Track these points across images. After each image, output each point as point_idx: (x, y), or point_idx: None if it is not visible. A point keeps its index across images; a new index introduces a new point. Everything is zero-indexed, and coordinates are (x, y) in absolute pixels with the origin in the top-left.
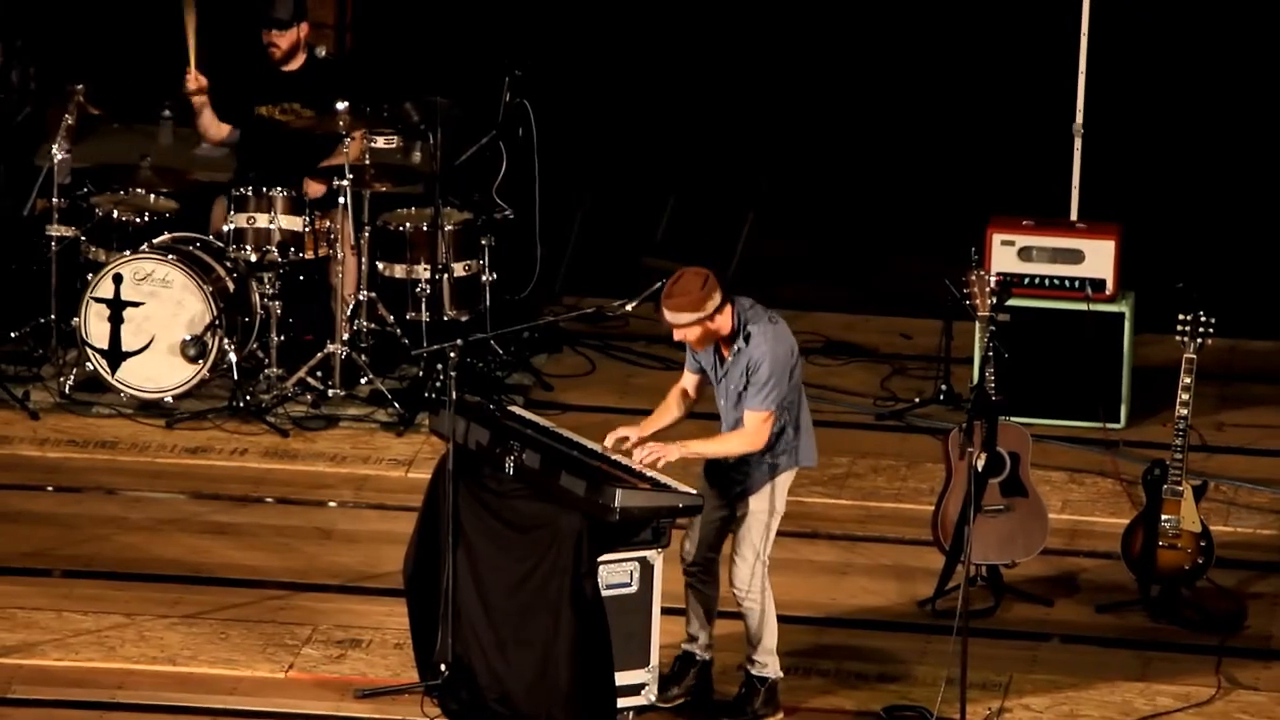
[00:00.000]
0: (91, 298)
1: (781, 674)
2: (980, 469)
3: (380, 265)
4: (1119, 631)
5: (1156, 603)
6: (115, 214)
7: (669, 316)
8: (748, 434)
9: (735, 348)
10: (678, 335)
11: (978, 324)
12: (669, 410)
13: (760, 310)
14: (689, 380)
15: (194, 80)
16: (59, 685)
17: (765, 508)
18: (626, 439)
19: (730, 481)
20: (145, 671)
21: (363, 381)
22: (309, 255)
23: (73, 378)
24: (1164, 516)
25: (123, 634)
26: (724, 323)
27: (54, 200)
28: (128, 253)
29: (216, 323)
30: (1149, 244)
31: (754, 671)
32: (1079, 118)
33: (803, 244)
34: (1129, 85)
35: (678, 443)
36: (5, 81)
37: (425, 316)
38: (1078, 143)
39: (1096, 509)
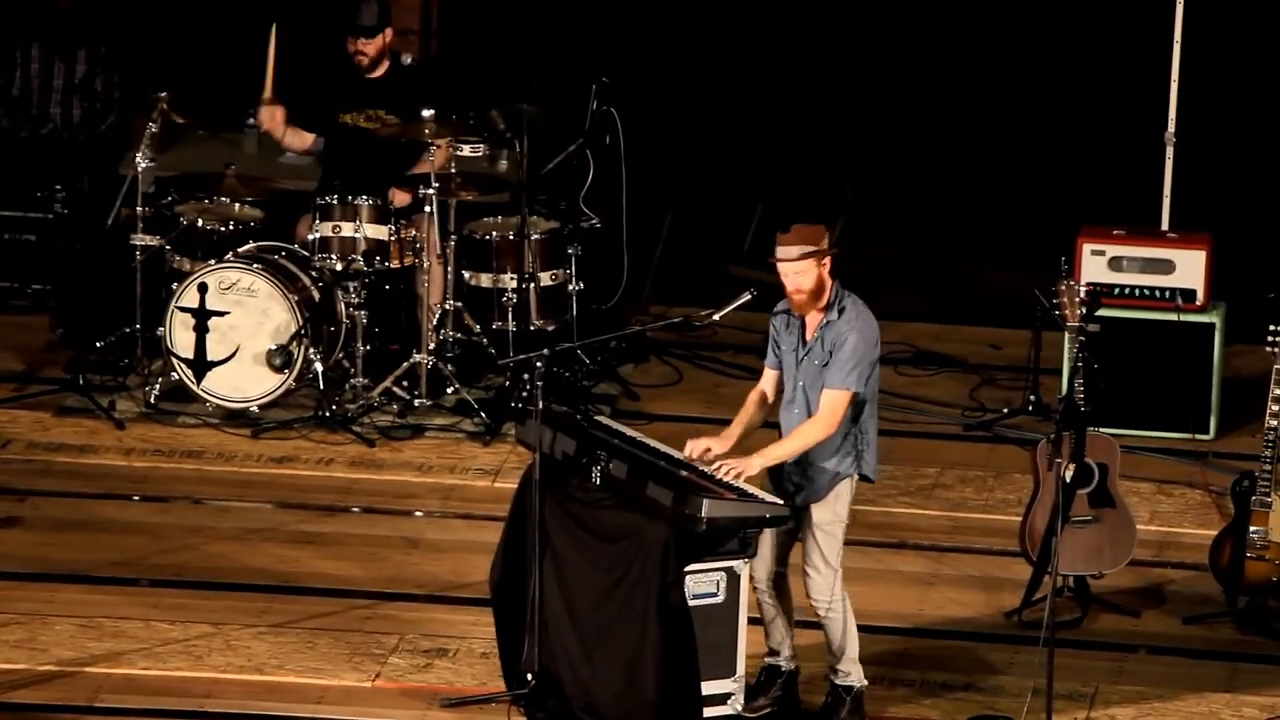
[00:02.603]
0: (176, 307)
1: (865, 682)
2: (1069, 480)
3: (466, 274)
4: (1206, 643)
5: (1244, 614)
6: (200, 223)
7: (781, 250)
8: (822, 418)
9: (825, 320)
10: (789, 283)
11: (1067, 334)
12: (749, 417)
13: (857, 297)
14: (768, 380)
15: (269, 119)
16: (147, 694)
17: (831, 518)
18: (709, 450)
19: (794, 489)
20: (232, 680)
21: (449, 391)
22: (394, 264)
23: (158, 387)
24: (1252, 528)
25: (210, 643)
26: (827, 280)
27: (138, 209)
28: (213, 262)
29: (302, 332)
30: (1241, 254)
31: (838, 681)
32: (1171, 126)
33: (891, 253)
34: (1221, 94)
35: (756, 454)
36: (89, 90)
37: (511, 326)
38: (1169, 152)
39: (1185, 520)
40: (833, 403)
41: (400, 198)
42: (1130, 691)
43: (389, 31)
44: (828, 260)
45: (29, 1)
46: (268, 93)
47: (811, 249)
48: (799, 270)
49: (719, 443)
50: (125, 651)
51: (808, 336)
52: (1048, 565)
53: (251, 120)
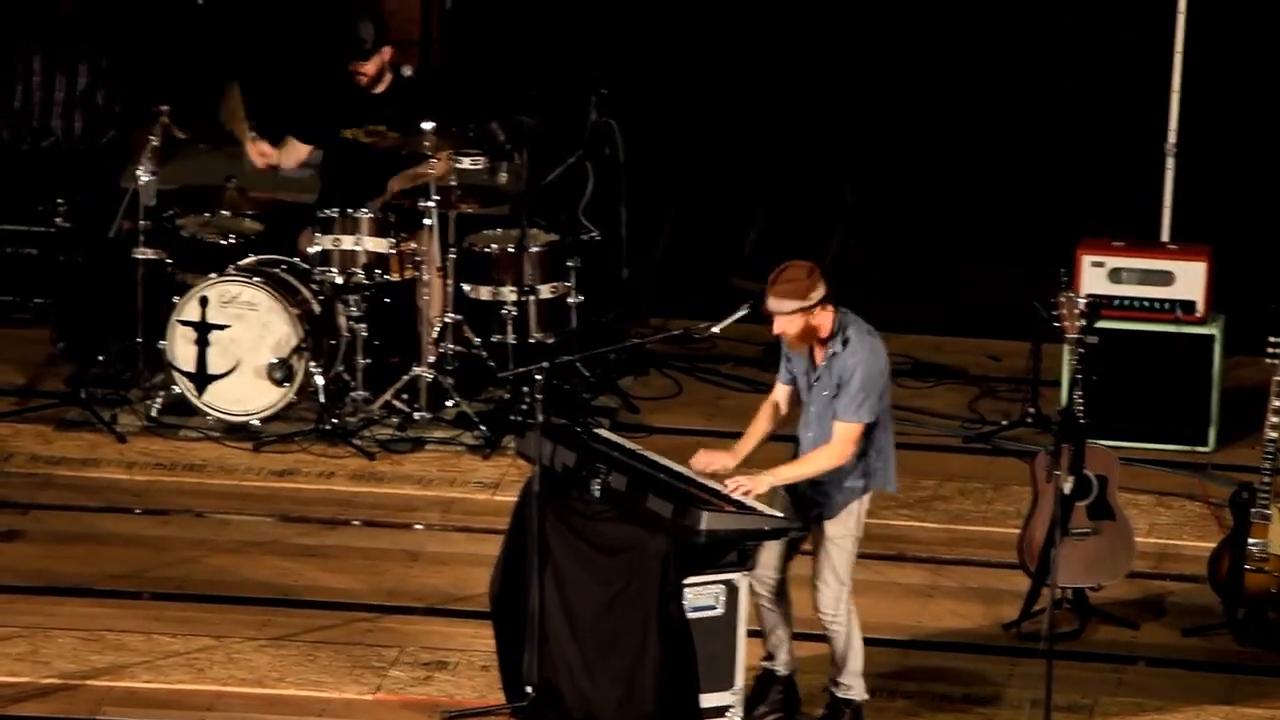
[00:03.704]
0: (177, 321)
1: (866, 696)
2: (1067, 492)
3: (466, 287)
4: (1205, 654)
5: (1243, 625)
6: (201, 236)
7: (772, 304)
8: (835, 448)
9: (831, 351)
10: (778, 327)
11: (1066, 346)
12: (760, 426)
13: (861, 322)
14: (781, 393)
15: (259, 158)
16: (149, 706)
17: (844, 533)
18: (724, 464)
19: (809, 504)
20: (234, 693)
21: (449, 404)
22: (395, 277)
23: (160, 401)
24: (1251, 539)
25: (211, 656)
26: (824, 321)
27: (139, 223)
28: (213, 275)
29: (302, 345)
30: (1241, 265)
31: (839, 694)
32: (1172, 137)
33: (891, 260)
34: (1221, 105)
35: (766, 472)
36: (91, 103)
37: (511, 339)
38: (1170, 163)
39: (1184, 532)
40: (845, 434)
41: (396, 184)
42: (1129, 703)
43: (387, 50)
44: (819, 308)
45: (30, 13)
46: (247, 134)
47: (801, 305)
48: (787, 322)
49: (729, 457)
50: (127, 664)
51: (817, 362)
52: (1046, 577)
53: (252, 134)
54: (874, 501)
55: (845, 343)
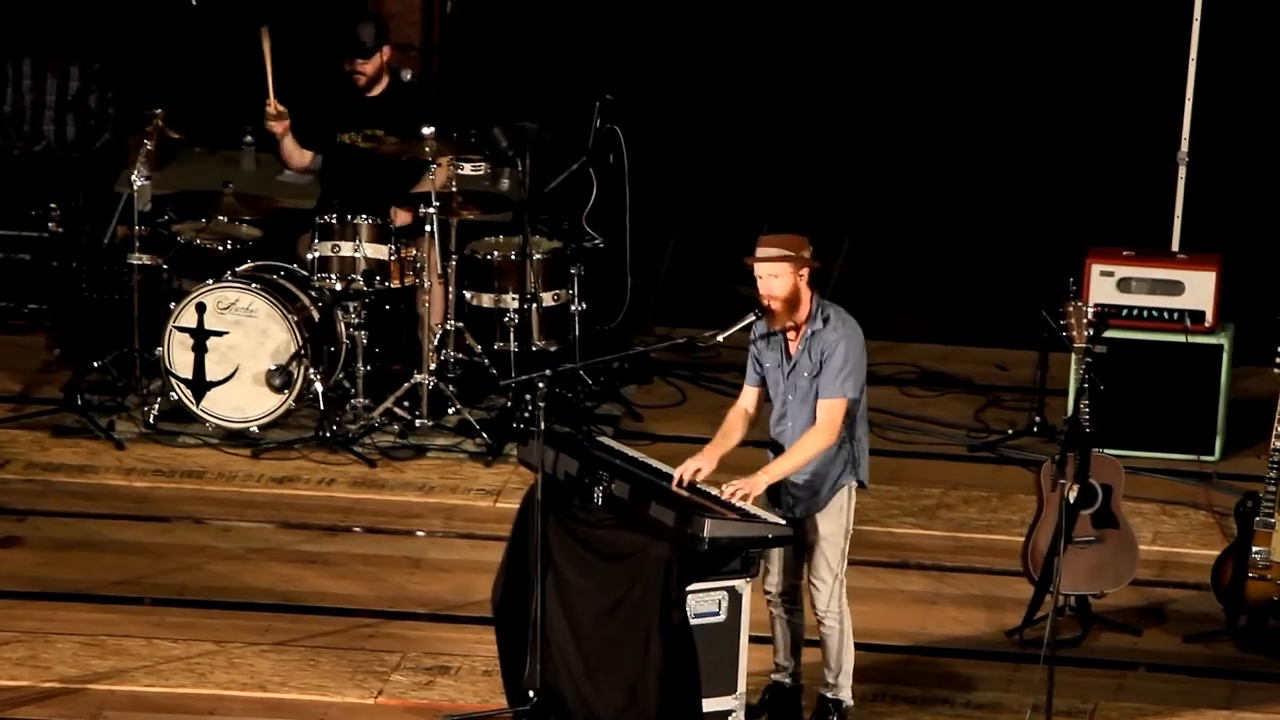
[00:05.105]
0: (175, 327)
1: (852, 701)
2: (1072, 500)
3: (468, 294)
4: (1206, 660)
5: (1244, 632)
6: (198, 242)
7: (760, 251)
8: (823, 428)
9: (809, 331)
10: (764, 286)
11: (1074, 356)
12: (733, 432)
13: (839, 306)
14: (749, 397)
15: (275, 109)
16: (150, 711)
17: (837, 529)
18: (699, 470)
19: (795, 501)
20: (236, 698)
21: (450, 411)
22: (395, 284)
23: (157, 407)
24: (1255, 548)
25: (213, 661)
26: (805, 294)
27: (135, 228)
28: (211, 281)
29: (302, 352)
30: (1251, 275)
31: (830, 695)
32: (1184, 146)
33: (898, 272)
34: (1232, 114)
35: (760, 471)
36: (84, 106)
37: (513, 346)
38: (1182, 172)
39: (1188, 540)
40: (831, 412)
41: (402, 216)
42: (1129, 708)
43: (387, 49)
44: (805, 272)
45: (21, 17)
46: (270, 88)
47: (788, 254)
48: (773, 273)
49: (706, 462)
50: (129, 669)
51: (791, 350)
52: (1049, 585)
53: (249, 138)
54: (878, 509)
55: (825, 320)
